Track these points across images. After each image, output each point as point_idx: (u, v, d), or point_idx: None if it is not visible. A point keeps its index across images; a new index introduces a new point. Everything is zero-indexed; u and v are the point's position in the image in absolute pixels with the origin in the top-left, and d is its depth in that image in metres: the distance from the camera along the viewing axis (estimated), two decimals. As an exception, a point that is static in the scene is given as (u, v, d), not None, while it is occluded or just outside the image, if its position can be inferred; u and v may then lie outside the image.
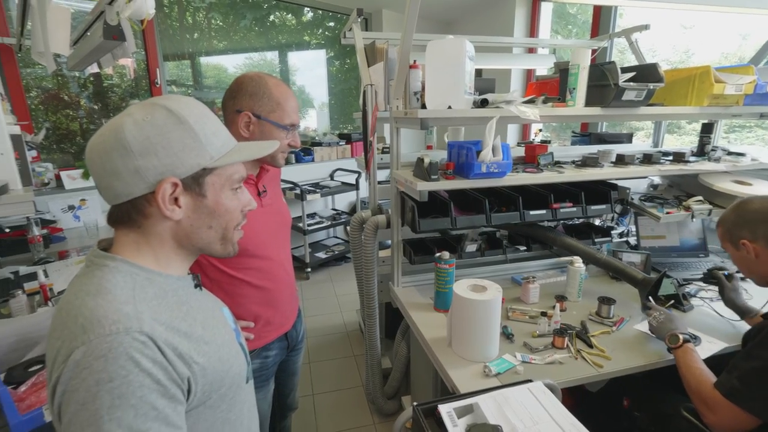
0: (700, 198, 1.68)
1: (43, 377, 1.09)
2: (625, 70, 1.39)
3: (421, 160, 1.39)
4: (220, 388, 0.62)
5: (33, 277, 1.68)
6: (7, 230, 2.15)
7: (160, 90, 3.30)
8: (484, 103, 1.40)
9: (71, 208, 2.55)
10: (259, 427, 1.19)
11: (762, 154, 1.70)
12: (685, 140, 2.95)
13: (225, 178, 0.64)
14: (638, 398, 1.37)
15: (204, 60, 3.97)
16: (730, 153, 1.74)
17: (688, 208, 1.64)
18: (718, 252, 1.95)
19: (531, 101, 1.44)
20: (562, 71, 1.48)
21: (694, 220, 1.67)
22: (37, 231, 2.07)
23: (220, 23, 4.01)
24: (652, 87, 1.37)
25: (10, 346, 1.16)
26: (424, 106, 1.44)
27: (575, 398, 1.76)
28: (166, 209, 0.58)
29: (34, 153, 2.67)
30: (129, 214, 0.59)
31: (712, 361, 1.18)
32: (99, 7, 1.36)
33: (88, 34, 1.67)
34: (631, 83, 1.36)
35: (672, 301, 1.47)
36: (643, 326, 1.38)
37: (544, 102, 1.44)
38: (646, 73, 1.41)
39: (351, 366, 2.46)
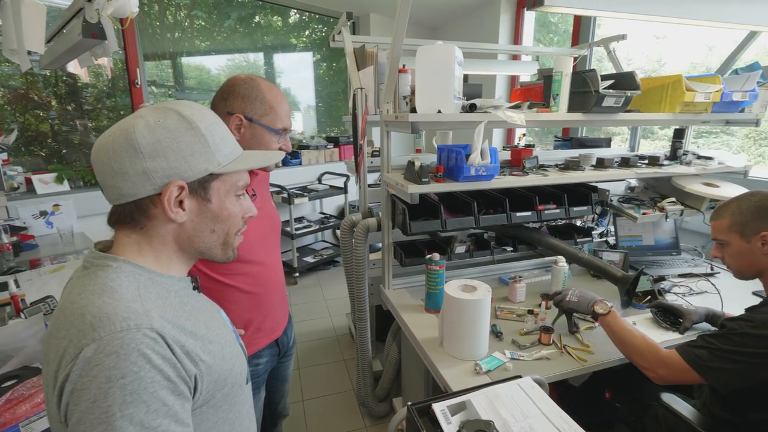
0: (673, 199, 1.77)
1: (19, 392, 1.05)
2: (604, 78, 1.46)
3: (411, 164, 1.43)
4: (223, 387, 0.63)
5: (3, 287, 1.57)
6: (-28, 238, 2.03)
7: (141, 91, 3.24)
8: (472, 108, 1.44)
9: (43, 214, 2.46)
10: None
11: (727, 158, 1.81)
12: (657, 145, 3.09)
13: (230, 185, 0.66)
14: (619, 390, 1.44)
15: (185, 60, 3.92)
16: (699, 157, 1.84)
17: (662, 209, 1.72)
18: (689, 250, 2.06)
19: (517, 106, 1.50)
20: (546, 78, 1.54)
21: (668, 220, 1.76)
22: (5, 238, 1.98)
23: (203, 23, 3.96)
24: (629, 94, 1.45)
25: (-23, 362, 1.08)
26: (413, 110, 1.47)
27: (559, 392, 1.82)
28: (171, 211, 0.60)
29: (4, 156, 2.55)
30: (132, 215, 0.60)
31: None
32: (77, 4, 1.33)
33: (65, 31, 1.63)
34: (611, 90, 1.43)
35: (648, 297, 1.55)
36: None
37: (530, 107, 1.50)
38: (624, 81, 1.49)
39: (341, 370, 2.46)
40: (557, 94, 1.45)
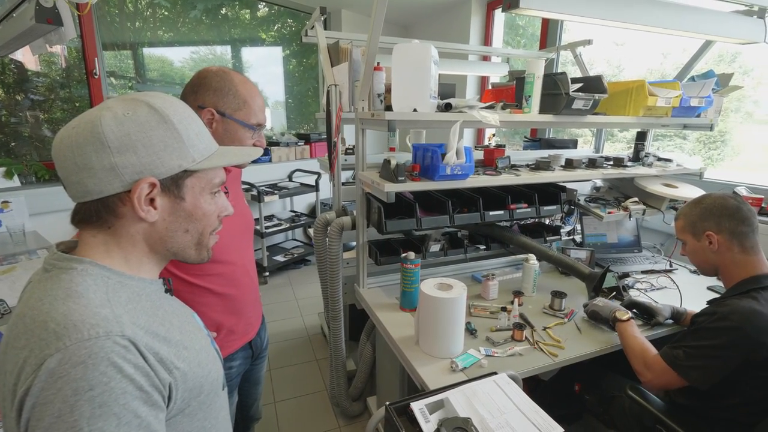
0: (636, 199, 1.86)
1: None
2: (573, 81, 1.50)
3: (387, 162, 1.42)
4: (199, 395, 0.60)
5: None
6: None
7: (100, 81, 3.05)
8: (448, 108, 1.45)
9: (-10, 211, 2.29)
10: None
11: (684, 161, 1.92)
12: (617, 147, 3.23)
13: (205, 182, 0.63)
14: (587, 382, 1.49)
15: (146, 51, 3.74)
16: (659, 159, 1.94)
17: (626, 208, 1.81)
18: (649, 248, 2.16)
19: (491, 107, 1.52)
20: (518, 79, 1.57)
21: (631, 219, 1.84)
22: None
23: (166, 12, 3.79)
24: (597, 97, 1.50)
25: None
26: (387, 108, 1.46)
27: (530, 386, 1.87)
28: (141, 210, 0.56)
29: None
30: (99, 213, 0.56)
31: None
32: (29, -15, 1.25)
33: (15, 15, 1.53)
34: (580, 93, 1.47)
35: (614, 293, 1.61)
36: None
37: (503, 108, 1.52)
38: (592, 84, 1.54)
39: (314, 370, 2.43)
40: (529, 96, 1.48)
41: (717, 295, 1.32)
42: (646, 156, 1.90)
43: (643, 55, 3.01)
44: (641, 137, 1.95)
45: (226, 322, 1.10)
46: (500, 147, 2.54)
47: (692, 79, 1.85)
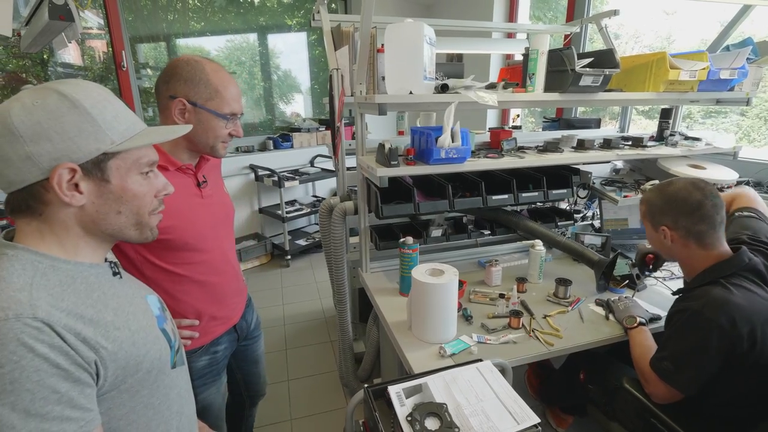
0: (657, 181, 1.72)
1: None
2: (583, 56, 1.40)
3: (382, 146, 1.40)
4: (136, 372, 0.63)
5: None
6: None
7: (128, 74, 3.20)
8: (444, 89, 1.40)
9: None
10: (216, 419, 1.22)
11: (716, 139, 1.75)
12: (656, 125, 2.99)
13: (131, 162, 0.64)
14: (592, 371, 1.43)
15: (183, 42, 3.87)
16: (687, 138, 1.78)
17: (644, 192, 1.68)
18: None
19: (491, 86, 1.45)
20: (524, 56, 1.49)
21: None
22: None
23: (197, 3, 3.89)
24: (608, 73, 1.39)
25: None
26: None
27: (541, 376, 1.82)
28: (65, 195, 0.58)
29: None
30: (26, 202, 0.59)
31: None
32: (43, -16, 1.32)
33: (38, 13, 1.62)
34: (588, 69, 1.37)
35: (626, 281, 1.52)
36: (597, 306, 1.44)
37: (504, 87, 1.45)
38: (603, 59, 1.43)
39: (327, 351, 2.50)
40: (533, 74, 1.40)
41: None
42: (671, 135, 1.75)
43: (697, 24, 2.74)
44: (666, 115, 1.79)
45: (206, 310, 1.12)
46: (515, 128, 2.44)
47: (727, 48, 1.67)
